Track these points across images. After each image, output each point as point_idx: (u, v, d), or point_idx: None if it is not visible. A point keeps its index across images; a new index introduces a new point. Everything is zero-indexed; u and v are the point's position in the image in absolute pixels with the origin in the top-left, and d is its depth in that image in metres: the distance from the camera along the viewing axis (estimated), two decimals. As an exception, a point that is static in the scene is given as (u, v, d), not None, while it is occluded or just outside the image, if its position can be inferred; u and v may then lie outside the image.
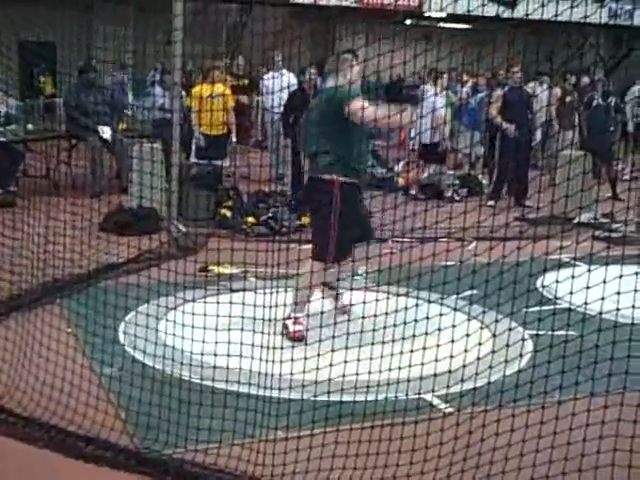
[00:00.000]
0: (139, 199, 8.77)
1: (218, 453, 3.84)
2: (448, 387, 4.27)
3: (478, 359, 4.27)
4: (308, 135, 6.07)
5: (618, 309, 4.08)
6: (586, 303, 4.10)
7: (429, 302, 4.72)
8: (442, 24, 23.52)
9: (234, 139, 11.88)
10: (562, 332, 4.10)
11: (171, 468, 3.71)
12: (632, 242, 8.33)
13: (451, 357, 4.12)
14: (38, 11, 14.74)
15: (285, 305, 5.47)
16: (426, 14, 22.01)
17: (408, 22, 23.27)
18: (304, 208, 9.67)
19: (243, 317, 4.47)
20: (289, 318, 5.74)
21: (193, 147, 11.69)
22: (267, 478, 3.70)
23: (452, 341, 4.16)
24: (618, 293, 4.03)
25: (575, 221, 8.71)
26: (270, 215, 9.44)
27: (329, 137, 5.75)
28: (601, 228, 9.33)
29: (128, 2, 18.90)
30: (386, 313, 4.44)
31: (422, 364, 4.17)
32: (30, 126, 12.51)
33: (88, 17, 18.59)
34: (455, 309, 5.20)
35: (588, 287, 3.99)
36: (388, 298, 4.53)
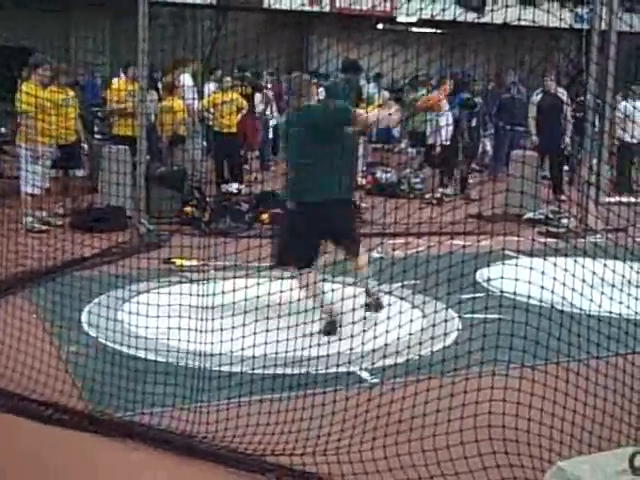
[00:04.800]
0: (108, 198, 9.20)
1: (161, 416, 4.33)
2: (375, 361, 4.75)
3: (409, 335, 4.66)
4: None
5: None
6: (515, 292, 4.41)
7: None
8: (414, 29, 23.93)
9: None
10: (484, 315, 4.49)
11: (120, 428, 4.18)
12: (573, 236, 8.82)
13: (387, 332, 4.56)
14: (14, 16, 15.06)
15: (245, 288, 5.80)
16: (398, 19, 22.45)
17: (380, 27, 23.67)
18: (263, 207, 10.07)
19: (191, 305, 4.95)
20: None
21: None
22: (203, 435, 4.15)
23: (387, 319, 4.62)
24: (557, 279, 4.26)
25: (525, 217, 9.34)
26: (231, 212, 9.89)
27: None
28: (547, 224, 9.85)
29: (104, 7, 19.20)
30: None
31: (351, 336, 4.65)
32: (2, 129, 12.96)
33: (65, 22, 18.89)
34: (390, 292, 5.68)
35: (517, 279, 4.31)
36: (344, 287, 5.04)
